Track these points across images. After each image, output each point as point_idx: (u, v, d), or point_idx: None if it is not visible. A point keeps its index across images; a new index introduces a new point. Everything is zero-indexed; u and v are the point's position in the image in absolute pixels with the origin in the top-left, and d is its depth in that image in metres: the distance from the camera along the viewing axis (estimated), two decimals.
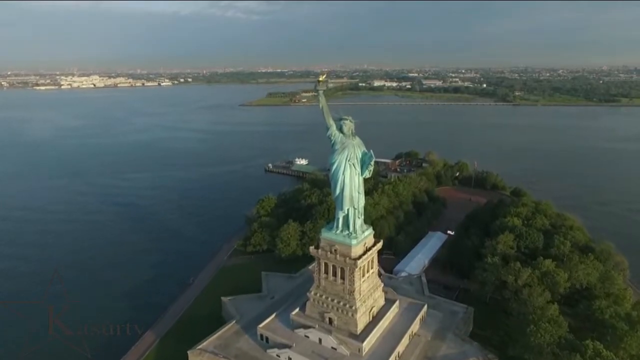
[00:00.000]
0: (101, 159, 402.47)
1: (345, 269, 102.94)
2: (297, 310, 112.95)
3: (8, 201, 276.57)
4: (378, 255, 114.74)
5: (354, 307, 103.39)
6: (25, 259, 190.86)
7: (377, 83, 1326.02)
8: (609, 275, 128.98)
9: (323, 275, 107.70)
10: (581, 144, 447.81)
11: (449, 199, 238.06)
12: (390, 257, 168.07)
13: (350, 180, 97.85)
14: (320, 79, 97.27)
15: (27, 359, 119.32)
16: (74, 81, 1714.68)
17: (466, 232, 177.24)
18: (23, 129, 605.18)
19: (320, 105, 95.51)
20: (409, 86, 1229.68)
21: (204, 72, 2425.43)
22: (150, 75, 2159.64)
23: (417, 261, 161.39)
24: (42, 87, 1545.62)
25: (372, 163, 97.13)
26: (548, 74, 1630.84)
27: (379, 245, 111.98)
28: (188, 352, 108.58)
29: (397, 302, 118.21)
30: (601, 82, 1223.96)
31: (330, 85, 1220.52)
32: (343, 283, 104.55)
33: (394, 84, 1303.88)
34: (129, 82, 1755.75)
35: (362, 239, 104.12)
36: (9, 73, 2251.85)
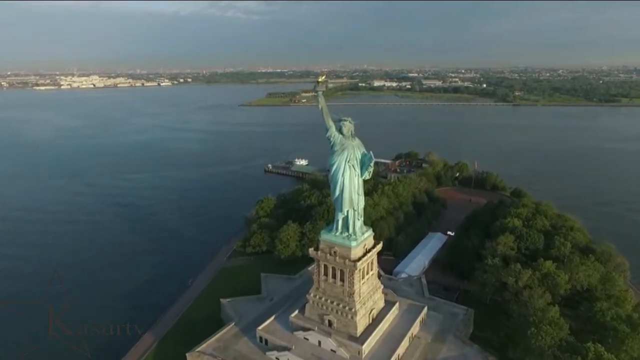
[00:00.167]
0: (101, 159, 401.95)
1: (344, 271, 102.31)
2: (296, 312, 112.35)
3: (8, 201, 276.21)
4: (378, 257, 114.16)
5: (353, 310, 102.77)
6: (25, 259, 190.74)
7: (377, 83, 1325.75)
8: (609, 277, 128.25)
9: (322, 277, 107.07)
10: (581, 144, 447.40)
11: (449, 200, 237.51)
12: (390, 258, 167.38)
13: (350, 182, 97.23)
14: (320, 79, 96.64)
15: (27, 359, 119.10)
16: (74, 81, 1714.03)
17: (466, 233, 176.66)
18: (23, 129, 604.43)
19: (320, 106, 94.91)
20: (408, 86, 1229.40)
21: (204, 72, 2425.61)
22: (150, 76, 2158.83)
23: (417, 262, 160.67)
24: (42, 87, 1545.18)
25: (372, 164, 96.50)
26: (548, 74, 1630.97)
27: (379, 247, 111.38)
28: (187, 354, 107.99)
29: (397, 304, 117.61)
30: (601, 82, 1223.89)
31: (330, 85, 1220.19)
32: (342, 285, 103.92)
33: (394, 84, 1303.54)
34: (129, 82, 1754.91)
35: (361, 241, 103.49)
36: (8, 73, 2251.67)
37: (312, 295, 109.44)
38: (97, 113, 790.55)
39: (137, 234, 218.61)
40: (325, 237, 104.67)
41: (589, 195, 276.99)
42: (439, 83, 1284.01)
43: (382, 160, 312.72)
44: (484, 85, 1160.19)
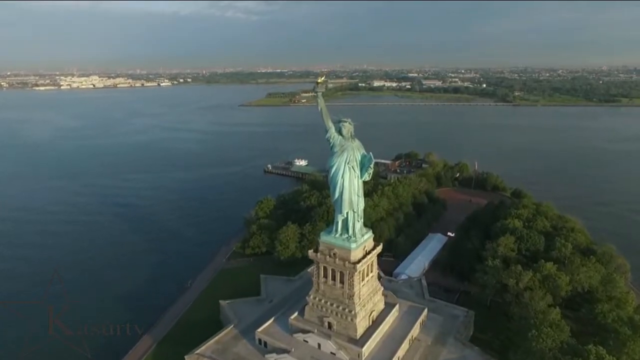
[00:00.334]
0: (101, 159, 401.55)
1: (344, 273, 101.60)
2: (295, 314, 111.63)
3: (8, 201, 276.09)
4: (378, 258, 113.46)
5: (353, 312, 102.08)
6: (25, 259, 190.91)
7: (376, 83, 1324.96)
8: (610, 278, 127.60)
9: (322, 279, 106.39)
10: (581, 144, 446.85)
11: (449, 200, 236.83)
12: (390, 259, 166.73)
13: (350, 184, 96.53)
14: (319, 80, 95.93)
15: (27, 359, 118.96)
16: (74, 81, 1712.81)
17: (466, 234, 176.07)
18: (22, 129, 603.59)
19: (319, 107, 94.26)
20: (408, 86, 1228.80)
21: (204, 72, 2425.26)
22: (150, 76, 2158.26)
23: (417, 263, 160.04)
24: (42, 88, 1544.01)
25: (372, 166, 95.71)
26: (547, 74, 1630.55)
27: (379, 248, 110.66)
28: (185, 357, 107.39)
29: (397, 306, 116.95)
30: (601, 82, 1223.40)
31: (330, 85, 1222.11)
32: (342, 287, 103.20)
33: (394, 84, 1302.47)
34: (129, 83, 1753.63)
35: (361, 243, 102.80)
36: (8, 73, 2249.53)
37: (311, 297, 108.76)
38: (97, 113, 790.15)
39: (136, 234, 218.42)
40: (324, 238, 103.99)
41: (589, 195, 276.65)
42: (438, 83, 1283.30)
43: (382, 161, 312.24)
44: (484, 86, 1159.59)
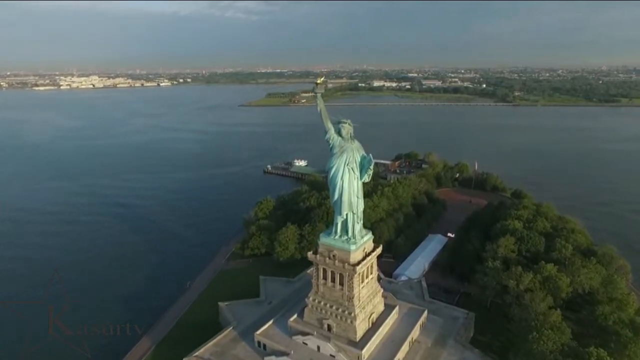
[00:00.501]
0: (100, 159, 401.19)
1: (344, 275, 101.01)
2: (295, 316, 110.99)
3: (8, 202, 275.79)
4: (377, 259, 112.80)
5: (353, 314, 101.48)
6: (25, 259, 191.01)
7: (376, 83, 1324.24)
8: (611, 280, 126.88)
9: (321, 281, 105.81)
10: (581, 144, 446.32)
11: (449, 201, 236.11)
12: (390, 260, 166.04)
13: (349, 185, 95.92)
14: (318, 81, 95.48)
15: (27, 359, 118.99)
16: (73, 81, 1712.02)
17: (467, 235, 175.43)
18: (22, 129, 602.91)
19: (319, 108, 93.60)
20: (408, 86, 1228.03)
21: (204, 72, 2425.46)
22: (150, 76, 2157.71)
23: (416, 265, 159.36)
24: (41, 88, 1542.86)
25: (372, 167, 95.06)
26: (547, 74, 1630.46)
27: (379, 250, 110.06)
28: (184, 359, 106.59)
29: (396, 308, 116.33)
30: (600, 82, 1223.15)
31: (330, 85, 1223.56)
32: (342, 289, 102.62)
33: (394, 84, 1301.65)
34: (128, 83, 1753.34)
35: (361, 244, 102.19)
36: (8, 73, 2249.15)
37: (311, 299, 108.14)
38: (97, 113, 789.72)
39: (136, 234, 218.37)
40: (324, 240, 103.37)
41: (589, 195, 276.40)
42: (438, 83, 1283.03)
43: (382, 161, 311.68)
44: (484, 86, 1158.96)
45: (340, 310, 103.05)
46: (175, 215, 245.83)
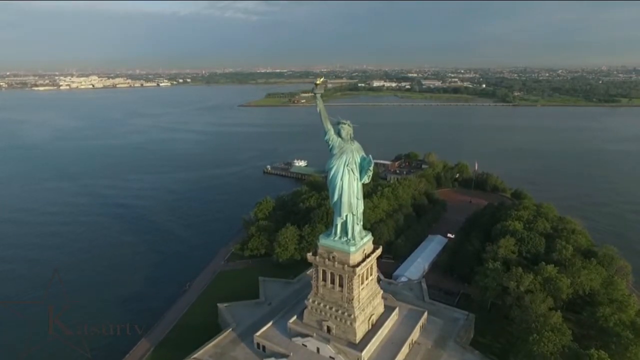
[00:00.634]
0: (100, 160, 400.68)
1: (343, 277, 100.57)
2: (294, 318, 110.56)
3: (8, 202, 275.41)
4: (377, 260, 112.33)
5: (352, 316, 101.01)
6: (25, 259, 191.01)
7: (376, 83, 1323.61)
8: (612, 281, 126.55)
9: (321, 282, 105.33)
10: (581, 144, 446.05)
11: (449, 201, 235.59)
12: (390, 261, 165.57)
13: (349, 186, 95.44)
14: (318, 82, 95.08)
15: (27, 359, 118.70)
16: (73, 82, 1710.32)
17: (467, 235, 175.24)
18: (21, 130, 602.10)
19: (318, 109, 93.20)
20: (408, 86, 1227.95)
21: (203, 72, 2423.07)
22: (149, 76, 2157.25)
23: (416, 266, 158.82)
24: (41, 88, 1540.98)
25: (371, 168, 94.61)
26: (547, 74, 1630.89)
27: (378, 251, 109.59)
28: None
29: (396, 310, 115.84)
30: (600, 82, 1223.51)
31: (329, 85, 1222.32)
32: (341, 291, 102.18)
33: (393, 85, 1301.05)
34: (128, 83, 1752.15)
35: (360, 246, 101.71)
36: (7, 73, 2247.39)
37: (310, 300, 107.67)
38: (96, 114, 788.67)
39: (136, 235, 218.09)
40: (323, 242, 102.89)
41: (589, 195, 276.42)
42: (438, 83, 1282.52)
43: (382, 162, 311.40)
44: (484, 86, 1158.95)
45: (339, 311, 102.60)
46: (175, 216, 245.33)
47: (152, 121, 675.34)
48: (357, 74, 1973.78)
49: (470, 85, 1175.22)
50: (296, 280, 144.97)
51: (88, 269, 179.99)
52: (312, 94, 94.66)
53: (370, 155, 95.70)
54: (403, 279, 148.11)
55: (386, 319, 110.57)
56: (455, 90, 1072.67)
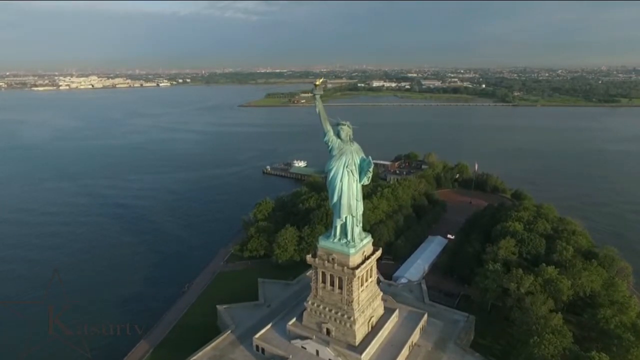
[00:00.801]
0: (100, 160, 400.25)
1: (343, 279, 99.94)
2: (293, 320, 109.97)
3: (7, 203, 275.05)
4: (377, 261, 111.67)
5: (352, 318, 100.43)
6: (24, 260, 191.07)
7: (376, 83, 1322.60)
8: (612, 282, 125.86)
9: (320, 284, 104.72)
10: (581, 144, 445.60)
11: (449, 202, 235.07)
12: (390, 262, 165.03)
13: (348, 188, 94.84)
14: (317, 82, 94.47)
15: (27, 359, 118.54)
16: (72, 82, 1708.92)
17: (467, 236, 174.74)
18: (21, 130, 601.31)
19: (317, 110, 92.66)
20: (408, 87, 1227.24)
21: (203, 72, 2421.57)
22: (149, 76, 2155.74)
23: (416, 267, 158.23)
24: (41, 88, 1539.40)
25: (371, 170, 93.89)
26: (547, 74, 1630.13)
27: (378, 253, 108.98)
28: None
29: (396, 311, 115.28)
30: (600, 82, 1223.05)
31: (329, 85, 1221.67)
32: (341, 293, 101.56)
33: (393, 85, 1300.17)
34: (127, 83, 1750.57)
35: (360, 248, 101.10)
36: (7, 73, 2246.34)
37: (309, 302, 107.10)
38: (96, 114, 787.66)
39: (135, 235, 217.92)
40: (323, 243, 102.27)
41: (589, 195, 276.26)
42: (438, 83, 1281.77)
43: (381, 162, 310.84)
44: (483, 86, 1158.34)
45: (339, 314, 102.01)
46: (174, 216, 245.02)
47: (151, 121, 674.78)
48: (356, 74, 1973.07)
49: (470, 85, 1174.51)
50: (295, 281, 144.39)
51: (88, 269, 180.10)
52: (312, 95, 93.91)
53: (369, 157, 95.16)
54: (403, 280, 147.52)
55: (386, 321, 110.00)
56: (455, 90, 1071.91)
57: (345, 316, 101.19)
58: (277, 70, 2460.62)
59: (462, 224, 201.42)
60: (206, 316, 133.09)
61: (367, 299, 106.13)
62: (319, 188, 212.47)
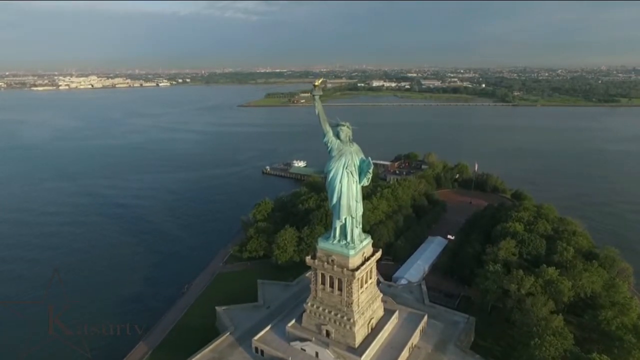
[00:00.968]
0: (99, 160, 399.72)
1: (342, 280, 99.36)
2: (293, 321, 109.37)
3: (7, 203, 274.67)
4: (376, 262, 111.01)
5: (352, 320, 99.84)
6: (24, 260, 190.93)
7: (375, 83, 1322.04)
8: (613, 283, 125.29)
9: (320, 286, 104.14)
10: (581, 144, 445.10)
11: (449, 202, 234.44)
12: (389, 263, 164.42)
13: (348, 189, 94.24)
14: (317, 83, 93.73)
15: (27, 359, 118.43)
16: (72, 82, 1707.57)
17: (467, 237, 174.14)
18: (20, 130, 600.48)
19: (317, 111, 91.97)
20: (407, 86, 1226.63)
21: (203, 72, 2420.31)
22: (149, 76, 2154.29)
23: (416, 267, 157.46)
24: (40, 88, 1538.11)
25: (371, 171, 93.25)
26: (547, 74, 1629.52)
27: (378, 254, 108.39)
28: None
29: (396, 313, 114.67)
30: (600, 82, 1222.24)
31: (329, 85, 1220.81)
32: (340, 294, 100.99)
33: (393, 84, 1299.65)
34: (127, 83, 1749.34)
35: (360, 249, 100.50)
36: (7, 73, 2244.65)
37: (309, 304, 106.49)
38: (95, 114, 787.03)
39: (135, 235, 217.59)
40: (322, 245, 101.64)
41: (589, 195, 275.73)
42: (438, 83, 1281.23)
43: (381, 162, 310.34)
44: (483, 86, 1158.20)
45: (339, 315, 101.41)
46: (174, 216, 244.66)
47: (151, 121, 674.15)
48: (356, 73, 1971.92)
49: (470, 85, 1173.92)
50: (295, 282, 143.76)
51: (88, 269, 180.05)
52: (312, 95, 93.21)
53: (369, 158, 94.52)
54: (403, 281, 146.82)
55: (386, 323, 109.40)
56: (455, 90, 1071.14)
57: (345, 318, 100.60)
58: (277, 70, 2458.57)
59: (462, 224, 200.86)
60: (205, 317, 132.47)
61: (366, 300, 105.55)
62: (319, 188, 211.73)
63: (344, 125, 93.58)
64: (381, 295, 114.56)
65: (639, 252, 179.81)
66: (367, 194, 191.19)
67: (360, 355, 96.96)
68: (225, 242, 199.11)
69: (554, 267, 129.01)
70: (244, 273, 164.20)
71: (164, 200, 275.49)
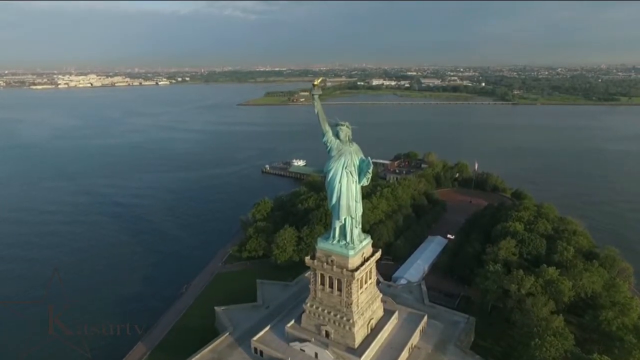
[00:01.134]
0: (98, 159, 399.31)
1: (342, 281, 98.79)
2: (292, 322, 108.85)
3: (7, 202, 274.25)
4: (376, 262, 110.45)
5: (351, 320, 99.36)
6: (24, 259, 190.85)
7: (375, 82, 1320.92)
8: (614, 283, 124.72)
9: (319, 286, 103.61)
10: (581, 143, 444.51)
11: (449, 202, 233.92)
12: (389, 262, 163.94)
13: (347, 189, 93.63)
14: (316, 82, 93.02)
15: (27, 359, 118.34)
16: (71, 80, 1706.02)
17: (467, 237, 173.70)
18: (19, 129, 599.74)
19: (316, 110, 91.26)
20: (407, 85, 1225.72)
21: (202, 71, 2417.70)
22: (148, 75, 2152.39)
23: (416, 267, 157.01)
24: (39, 87, 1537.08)
25: (370, 171, 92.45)
26: (547, 73, 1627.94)
27: (378, 254, 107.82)
28: None
29: (396, 313, 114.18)
30: (600, 80, 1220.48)
31: (329, 84, 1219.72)
32: (340, 295, 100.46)
33: (393, 83, 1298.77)
34: (126, 82, 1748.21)
35: (359, 249, 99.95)
36: (6, 72, 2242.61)
37: (308, 304, 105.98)
38: (95, 112, 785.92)
39: (134, 235, 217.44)
40: (321, 245, 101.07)
41: (589, 194, 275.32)
42: (438, 82, 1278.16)
43: (381, 161, 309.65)
44: (483, 84, 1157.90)
45: (338, 316, 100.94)
46: (173, 216, 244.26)
47: (150, 120, 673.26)
48: (356, 72, 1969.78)
49: (470, 84, 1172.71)
50: (294, 282, 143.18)
51: (87, 269, 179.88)
52: (310, 96, 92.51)
53: (369, 157, 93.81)
54: (402, 281, 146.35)
55: (385, 323, 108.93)
56: (455, 88, 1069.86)
57: (345, 318, 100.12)
58: (277, 69, 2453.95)
59: (462, 223, 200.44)
60: (204, 317, 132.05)
61: (366, 300, 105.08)
62: (318, 188, 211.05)
63: (343, 125, 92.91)
64: (381, 295, 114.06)
65: (639, 252, 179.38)
66: (367, 193, 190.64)
67: (360, 356, 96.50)
68: (224, 241, 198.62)
69: (554, 267, 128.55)
70: (243, 273, 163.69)
71: (163, 200, 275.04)
